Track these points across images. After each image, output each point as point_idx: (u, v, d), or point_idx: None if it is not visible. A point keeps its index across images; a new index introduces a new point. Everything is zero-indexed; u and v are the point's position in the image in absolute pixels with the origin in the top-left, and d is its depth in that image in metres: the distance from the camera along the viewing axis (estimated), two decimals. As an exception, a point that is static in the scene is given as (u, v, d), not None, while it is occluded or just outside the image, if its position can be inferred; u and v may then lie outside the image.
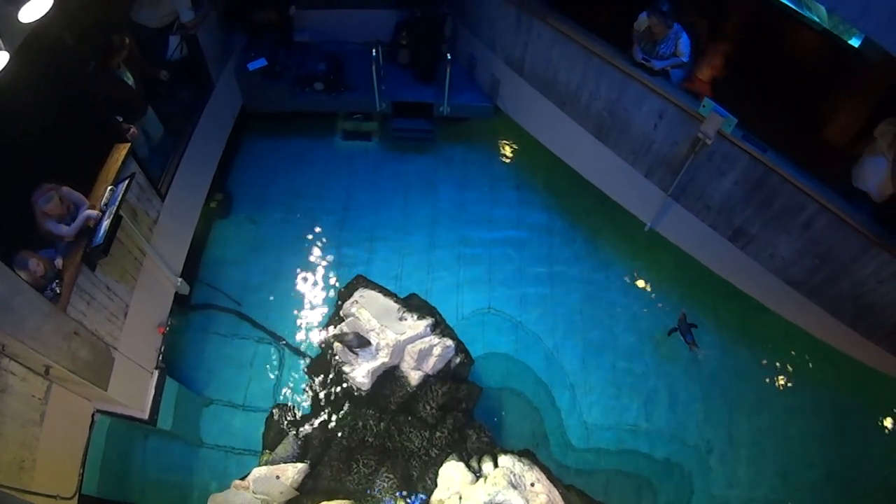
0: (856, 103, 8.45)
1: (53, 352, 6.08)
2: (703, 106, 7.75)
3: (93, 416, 7.33)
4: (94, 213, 6.86)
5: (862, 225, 7.24)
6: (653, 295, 10.23)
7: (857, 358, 8.86)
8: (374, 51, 10.41)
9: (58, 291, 6.46)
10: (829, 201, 7.24)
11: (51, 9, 5.00)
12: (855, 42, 9.15)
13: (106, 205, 7.07)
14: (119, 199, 7.07)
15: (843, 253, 7.50)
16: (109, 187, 7.18)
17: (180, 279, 8.94)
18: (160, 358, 8.38)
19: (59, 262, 6.63)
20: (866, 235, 7.26)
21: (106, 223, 6.93)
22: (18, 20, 4.82)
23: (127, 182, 7.25)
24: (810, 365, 9.54)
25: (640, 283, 10.36)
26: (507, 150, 12.07)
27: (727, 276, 9.32)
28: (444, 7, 10.75)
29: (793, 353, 9.62)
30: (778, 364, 9.58)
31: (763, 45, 9.01)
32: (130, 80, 8.16)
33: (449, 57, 10.51)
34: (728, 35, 9.15)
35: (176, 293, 9.04)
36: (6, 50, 4.65)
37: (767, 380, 9.49)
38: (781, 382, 9.47)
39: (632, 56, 8.59)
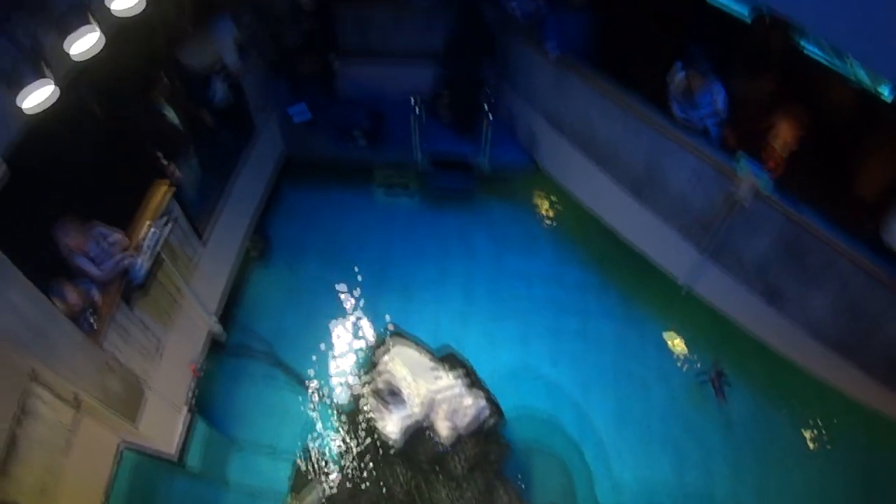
0: (888, 156, 8.35)
1: (85, 382, 6.16)
2: (739, 164, 7.73)
3: (120, 448, 7.37)
4: (129, 259, 6.97)
5: (893, 281, 7.11)
6: (686, 353, 10.06)
7: (891, 416, 8.59)
8: (415, 105, 10.59)
9: (93, 323, 6.55)
10: (863, 258, 7.12)
11: (102, 46, 5.18)
12: (887, 94, 9.14)
13: (146, 242, 7.20)
14: (160, 238, 7.22)
15: (875, 310, 7.35)
16: (150, 225, 7.33)
17: (216, 321, 9.03)
18: (191, 397, 8.44)
19: (96, 294, 6.74)
20: (896, 291, 7.17)
21: (145, 261, 7.07)
22: (69, 56, 4.99)
23: (168, 222, 7.42)
24: (842, 423, 9.23)
25: (674, 342, 10.21)
26: (545, 207, 12.10)
27: (760, 335, 9.14)
28: (484, 63, 10.88)
29: (825, 411, 9.32)
30: (810, 422, 9.32)
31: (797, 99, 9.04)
32: (174, 117, 8.39)
33: (489, 113, 10.64)
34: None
35: (211, 335, 9.11)
36: (56, 84, 4.81)
37: (799, 438, 9.22)
38: (813, 441, 9.20)
39: (670, 113, 8.61)
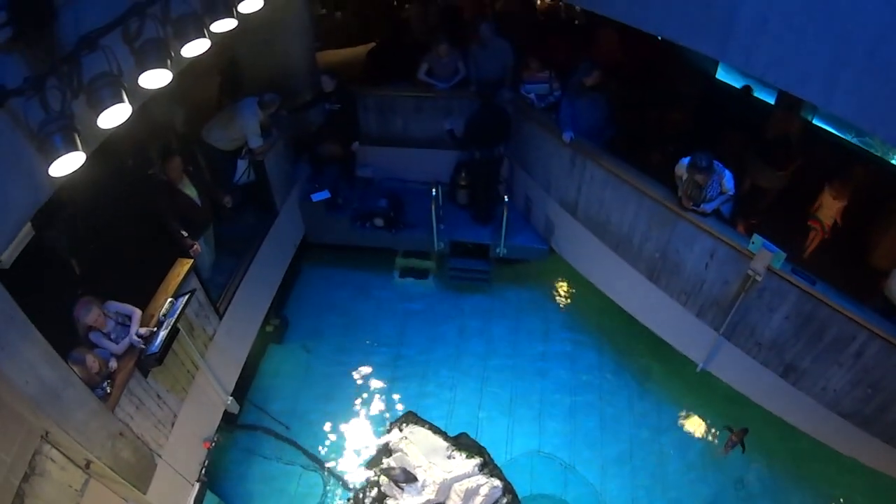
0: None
1: (97, 448, 6.15)
2: (753, 242, 7.78)
3: (128, 516, 7.31)
4: (138, 340, 7.02)
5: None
6: (705, 437, 10.00)
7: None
8: (433, 190, 10.80)
9: (108, 391, 6.60)
10: (880, 328, 7.07)
11: (128, 119, 5.35)
12: None
13: (164, 315, 7.30)
14: (178, 312, 7.30)
15: (894, 379, 7.25)
16: (169, 299, 7.45)
17: (231, 397, 9.02)
18: (203, 471, 8.35)
19: (112, 363, 6.81)
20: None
21: (163, 334, 7.14)
22: (98, 125, 5.17)
23: (187, 297, 7.52)
24: (866, 497, 9.10)
25: (692, 425, 10.15)
26: (561, 292, 12.21)
27: (779, 413, 9.00)
28: (501, 149, 11.09)
29: (848, 486, 9.19)
30: (834, 500, 9.20)
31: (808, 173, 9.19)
32: (193, 194, 8.61)
33: (506, 198, 10.83)
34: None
35: (225, 410, 9.09)
36: (83, 151, 4.96)
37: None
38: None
39: (679, 202, 8.68)
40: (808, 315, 7.66)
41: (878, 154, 9.85)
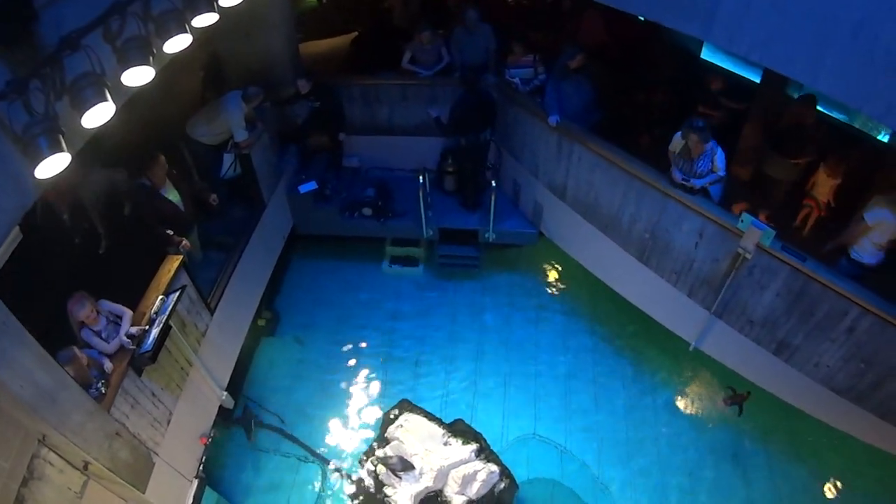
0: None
1: (94, 449, 6.14)
2: (742, 221, 7.80)
3: (127, 515, 7.31)
4: (127, 341, 6.97)
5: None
6: (699, 414, 10.06)
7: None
8: (420, 178, 10.76)
9: (103, 391, 6.57)
10: (871, 304, 7.09)
11: (111, 118, 5.31)
12: (883, 137, 9.30)
13: (156, 313, 7.26)
14: (169, 309, 7.27)
15: (888, 354, 7.26)
16: (160, 297, 7.41)
17: (225, 392, 9.02)
18: (200, 467, 8.37)
19: (106, 364, 6.78)
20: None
21: (155, 331, 7.10)
22: (81, 125, 5.13)
23: (178, 293, 7.48)
24: (862, 472, 9.16)
25: (686, 404, 10.21)
26: (552, 276, 12.22)
27: (772, 390, 9.05)
28: (488, 134, 11.10)
29: (843, 461, 9.26)
30: (829, 474, 9.27)
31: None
32: (176, 198, 8.57)
33: (493, 184, 10.79)
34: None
35: (220, 406, 9.09)
36: (69, 152, 4.92)
37: (820, 492, 9.15)
38: (834, 493, 9.14)
39: (671, 177, 8.71)
40: (799, 292, 7.69)
41: (862, 129, 9.87)
